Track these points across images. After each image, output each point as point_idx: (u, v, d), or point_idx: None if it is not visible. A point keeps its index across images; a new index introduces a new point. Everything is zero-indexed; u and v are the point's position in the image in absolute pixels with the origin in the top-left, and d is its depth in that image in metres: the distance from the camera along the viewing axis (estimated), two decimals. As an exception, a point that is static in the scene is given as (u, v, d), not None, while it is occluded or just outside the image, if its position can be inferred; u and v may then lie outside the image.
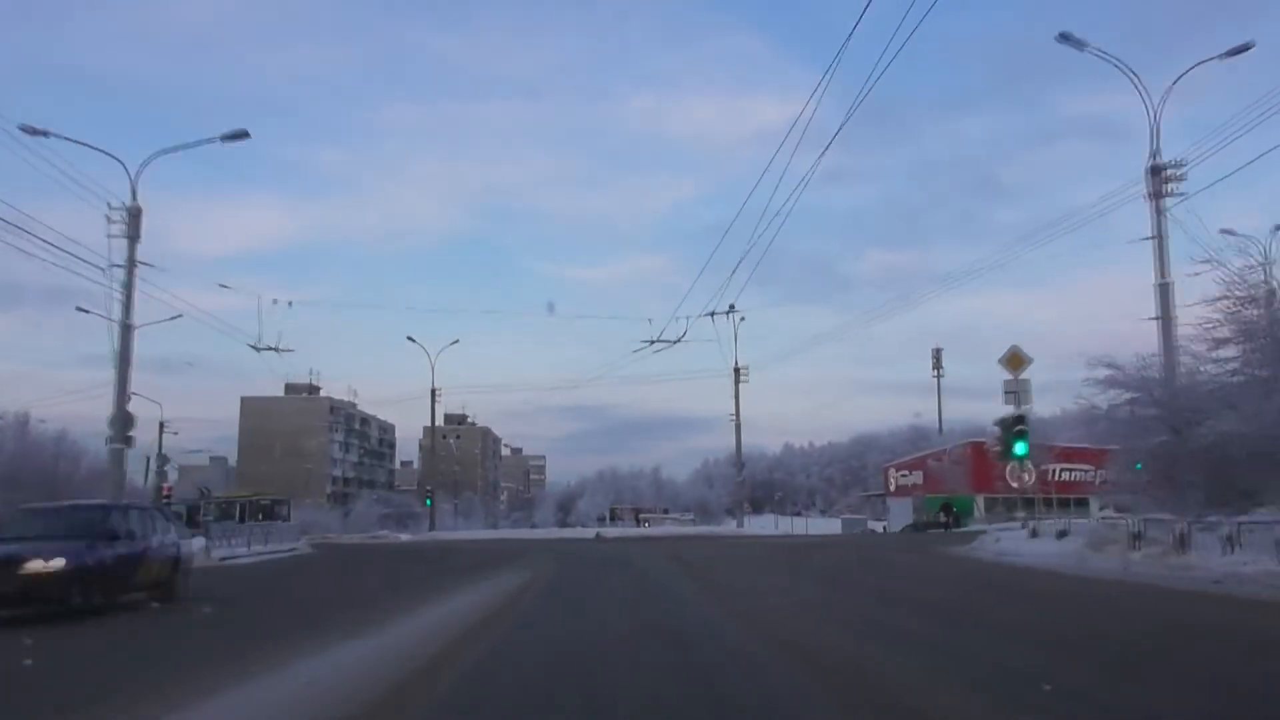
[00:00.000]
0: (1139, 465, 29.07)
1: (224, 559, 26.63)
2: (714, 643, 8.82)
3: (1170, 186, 23.56)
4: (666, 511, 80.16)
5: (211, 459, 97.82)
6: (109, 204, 23.89)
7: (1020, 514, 58.73)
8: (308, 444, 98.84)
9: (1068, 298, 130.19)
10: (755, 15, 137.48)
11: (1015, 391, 25.71)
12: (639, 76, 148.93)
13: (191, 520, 39.74)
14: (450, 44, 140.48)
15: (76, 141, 24.92)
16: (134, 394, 24.77)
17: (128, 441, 24.56)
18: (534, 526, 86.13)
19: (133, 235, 23.89)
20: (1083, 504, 48.46)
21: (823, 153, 20.57)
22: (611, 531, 56.83)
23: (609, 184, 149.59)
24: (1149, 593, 13.76)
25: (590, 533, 56.46)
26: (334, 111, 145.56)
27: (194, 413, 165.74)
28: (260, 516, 43.63)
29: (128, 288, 23.86)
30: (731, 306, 47.40)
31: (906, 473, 69.99)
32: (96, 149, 24.96)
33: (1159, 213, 23.43)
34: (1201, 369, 21.50)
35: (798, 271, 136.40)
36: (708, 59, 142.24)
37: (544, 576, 18.96)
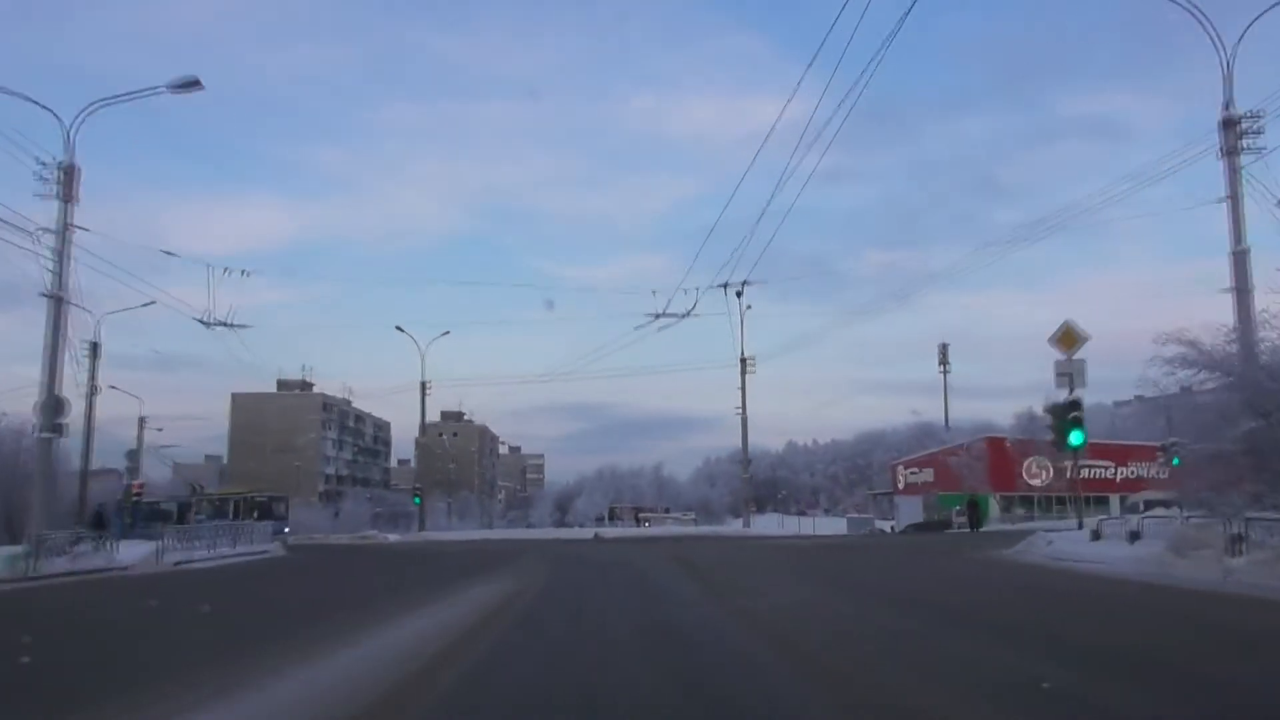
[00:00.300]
0: (1176, 461, 26.40)
1: (178, 564, 23.84)
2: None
3: (1245, 141, 20.79)
4: (668, 511, 77.22)
5: (206, 457, 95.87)
6: (39, 160, 21.04)
7: (1035, 513, 56.69)
8: (299, 441, 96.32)
9: (1068, 298, 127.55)
10: (755, 15, 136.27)
11: (1068, 374, 22.29)
12: (639, 76, 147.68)
13: (182, 518, 38.47)
14: (450, 44, 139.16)
15: (10, 92, 21.94)
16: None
17: (58, 430, 21.78)
18: (530, 526, 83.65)
19: (67, 196, 20.97)
20: (1102, 502, 46.03)
21: (823, 154, 17.90)
22: (611, 531, 54.13)
23: (609, 184, 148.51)
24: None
25: (589, 533, 53.80)
26: (334, 111, 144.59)
27: (194, 412, 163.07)
28: (255, 515, 40.98)
29: (60, 255, 20.91)
30: (745, 283, 44.67)
31: (916, 470, 67.39)
32: (28, 99, 21.79)
33: (1233, 170, 20.64)
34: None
35: (797, 271, 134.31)
36: (708, 59, 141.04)
37: (534, 587, 16.17)
